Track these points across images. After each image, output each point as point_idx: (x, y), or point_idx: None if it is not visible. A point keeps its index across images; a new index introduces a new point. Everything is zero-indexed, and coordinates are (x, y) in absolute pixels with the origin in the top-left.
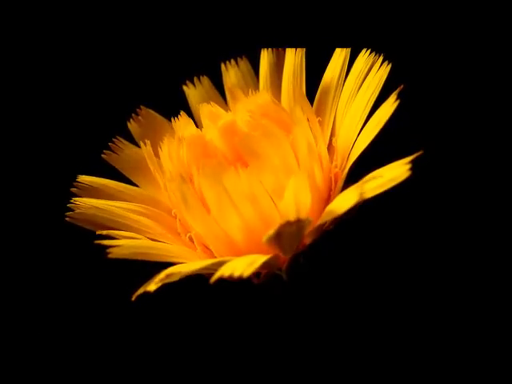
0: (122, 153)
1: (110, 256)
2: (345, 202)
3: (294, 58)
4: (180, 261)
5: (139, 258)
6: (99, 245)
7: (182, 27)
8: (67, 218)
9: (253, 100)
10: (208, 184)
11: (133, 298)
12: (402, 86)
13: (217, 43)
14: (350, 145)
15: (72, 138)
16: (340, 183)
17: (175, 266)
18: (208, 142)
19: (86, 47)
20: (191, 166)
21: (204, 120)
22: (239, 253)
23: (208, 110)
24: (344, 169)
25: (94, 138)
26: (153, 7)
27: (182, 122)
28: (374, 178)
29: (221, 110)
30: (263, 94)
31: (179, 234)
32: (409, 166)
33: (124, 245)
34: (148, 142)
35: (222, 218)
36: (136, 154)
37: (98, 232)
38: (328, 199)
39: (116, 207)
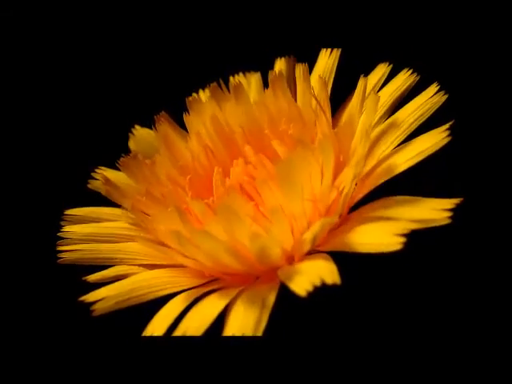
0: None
1: (94, 314)
2: (378, 246)
3: (326, 59)
4: (171, 291)
5: (126, 305)
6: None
7: (187, 39)
8: (60, 261)
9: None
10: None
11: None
12: (453, 121)
13: (224, 56)
14: (376, 157)
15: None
16: (360, 196)
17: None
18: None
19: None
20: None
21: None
22: (232, 272)
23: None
24: (367, 179)
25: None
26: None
27: (162, 119)
28: (413, 221)
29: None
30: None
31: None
32: (450, 214)
33: (107, 296)
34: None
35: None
36: (116, 179)
37: (84, 278)
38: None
39: (103, 228)
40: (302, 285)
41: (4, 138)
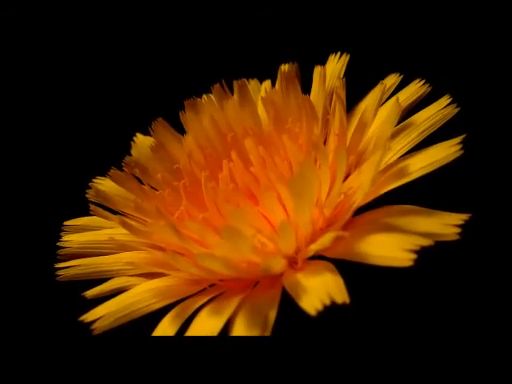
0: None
1: (95, 333)
2: (389, 260)
3: (335, 64)
4: (168, 302)
5: (126, 320)
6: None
7: (192, 47)
8: (58, 278)
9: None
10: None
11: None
12: (465, 135)
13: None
14: (383, 163)
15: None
16: (365, 201)
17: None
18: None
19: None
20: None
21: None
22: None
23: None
24: (374, 184)
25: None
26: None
27: (158, 124)
28: (422, 234)
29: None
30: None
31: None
32: (459, 230)
33: (106, 315)
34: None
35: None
36: (112, 189)
37: (82, 294)
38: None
39: (101, 235)
40: (312, 303)
41: (5, 145)
